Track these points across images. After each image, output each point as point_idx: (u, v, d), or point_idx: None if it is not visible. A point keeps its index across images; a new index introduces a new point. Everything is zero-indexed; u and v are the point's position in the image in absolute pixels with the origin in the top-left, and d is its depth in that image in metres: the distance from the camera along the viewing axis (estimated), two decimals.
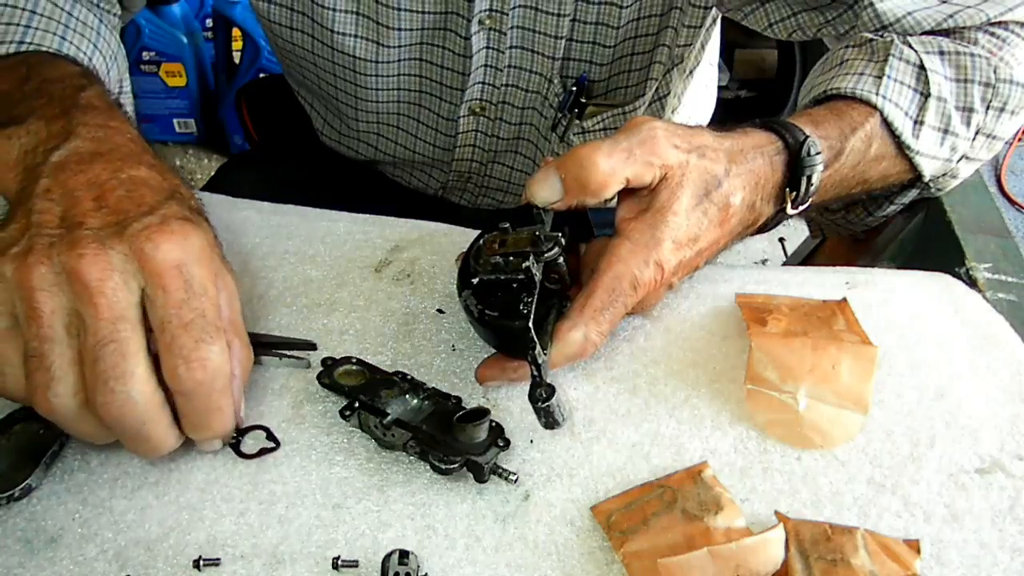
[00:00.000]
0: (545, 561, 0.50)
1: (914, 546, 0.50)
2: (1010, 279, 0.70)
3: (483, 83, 0.89)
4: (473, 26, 0.83)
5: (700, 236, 0.58)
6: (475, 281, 0.55)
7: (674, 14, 0.84)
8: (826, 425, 0.56)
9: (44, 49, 0.60)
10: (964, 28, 0.71)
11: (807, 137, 0.61)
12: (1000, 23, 0.71)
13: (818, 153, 0.61)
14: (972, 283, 0.70)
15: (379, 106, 0.94)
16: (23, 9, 0.61)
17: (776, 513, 0.51)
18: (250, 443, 0.54)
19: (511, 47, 0.86)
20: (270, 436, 0.55)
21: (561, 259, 0.55)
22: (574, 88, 0.89)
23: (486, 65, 0.87)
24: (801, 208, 0.63)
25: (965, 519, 0.52)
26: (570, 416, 0.57)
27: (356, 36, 0.86)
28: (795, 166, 0.61)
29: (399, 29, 0.85)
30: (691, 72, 0.94)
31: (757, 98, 2.51)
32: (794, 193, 0.62)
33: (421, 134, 0.97)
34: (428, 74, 0.90)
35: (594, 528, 0.51)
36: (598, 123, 0.92)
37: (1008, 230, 0.76)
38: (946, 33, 0.72)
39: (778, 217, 0.64)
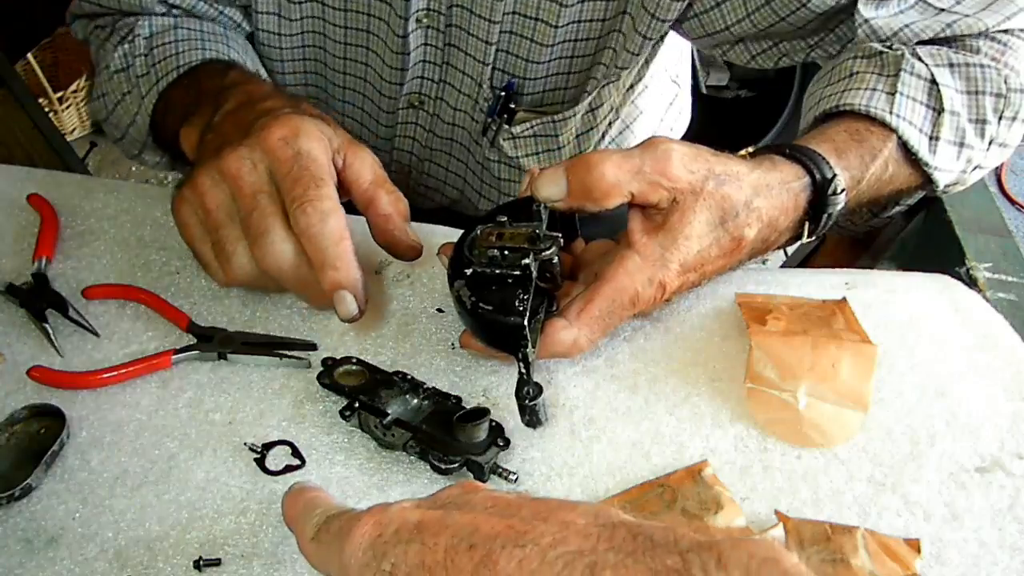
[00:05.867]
0: None
1: (914, 545, 0.50)
2: (1010, 279, 0.70)
3: (421, 77, 0.89)
4: (411, 24, 0.83)
5: (707, 262, 0.58)
6: (469, 272, 0.54)
7: (615, 37, 0.82)
8: (826, 424, 0.56)
9: (195, 62, 0.76)
10: (963, 36, 0.71)
11: (835, 176, 0.60)
12: (1001, 29, 0.71)
13: (843, 191, 0.60)
14: (972, 283, 0.70)
15: (332, 101, 0.96)
16: (172, 42, 0.78)
17: (776, 512, 0.51)
18: (275, 459, 0.54)
19: (447, 44, 0.86)
20: (295, 452, 0.54)
21: (556, 259, 0.55)
22: (502, 94, 0.88)
23: (424, 60, 0.87)
24: (814, 237, 0.63)
25: (965, 518, 0.52)
26: (570, 415, 0.57)
27: (335, 25, 0.88)
28: (818, 203, 0.60)
29: (344, 10, 0.86)
30: (632, 87, 0.93)
31: (757, 98, 2.51)
32: (812, 226, 0.62)
33: (367, 123, 0.98)
34: (372, 63, 0.91)
35: None
36: (527, 129, 0.91)
37: (1008, 230, 0.76)
38: (947, 41, 0.72)
39: (790, 242, 0.64)
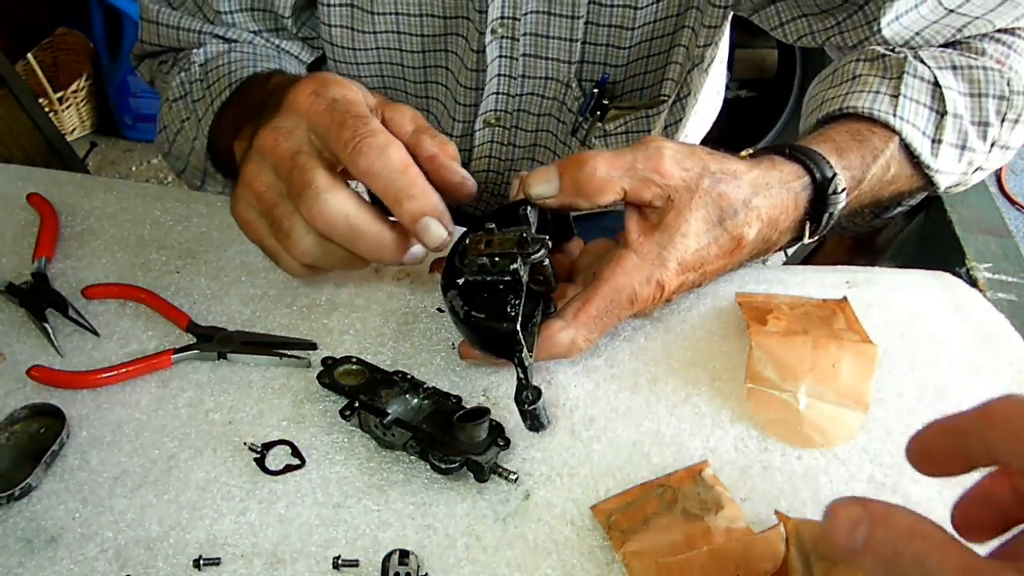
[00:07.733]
0: (545, 560, 0.49)
1: None
2: (1010, 279, 0.70)
3: (497, 93, 0.87)
4: (487, 36, 0.81)
5: (707, 261, 0.58)
6: (460, 282, 0.54)
7: (692, 14, 0.82)
8: (826, 424, 0.56)
9: (244, 76, 0.76)
10: (971, 38, 0.71)
11: (835, 175, 0.60)
12: (1006, 30, 0.72)
13: (843, 191, 0.60)
14: (972, 283, 0.70)
15: None
16: (225, 64, 0.78)
17: (776, 512, 0.51)
18: (275, 459, 0.54)
19: (524, 55, 0.84)
20: (295, 452, 0.54)
21: (547, 261, 0.54)
22: (595, 90, 0.86)
23: (500, 75, 0.85)
24: (817, 237, 0.63)
25: None
26: (570, 415, 0.57)
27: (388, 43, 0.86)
28: (819, 202, 0.60)
29: (412, 34, 0.84)
30: (707, 70, 0.93)
31: (757, 98, 2.51)
32: (814, 225, 0.61)
33: None
34: (448, 83, 0.89)
35: (594, 527, 0.51)
36: (620, 126, 0.90)
37: (1008, 230, 0.76)
38: (954, 44, 0.72)
39: (791, 243, 0.64)
